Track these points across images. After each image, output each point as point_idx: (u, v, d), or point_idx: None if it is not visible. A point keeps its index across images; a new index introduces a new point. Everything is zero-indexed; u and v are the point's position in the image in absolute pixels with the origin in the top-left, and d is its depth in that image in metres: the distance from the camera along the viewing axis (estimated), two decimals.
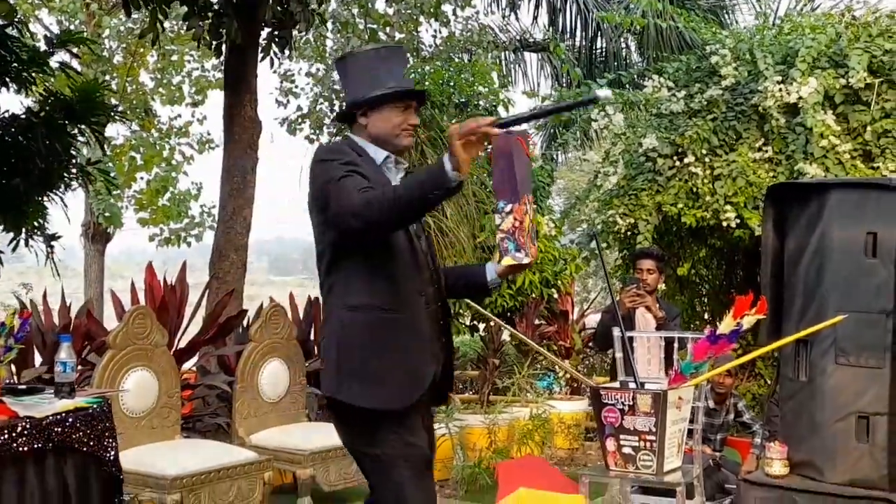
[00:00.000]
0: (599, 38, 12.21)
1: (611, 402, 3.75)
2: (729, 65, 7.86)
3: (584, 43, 12.26)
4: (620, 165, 8.29)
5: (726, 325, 3.68)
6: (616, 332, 4.14)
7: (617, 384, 4.01)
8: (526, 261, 2.79)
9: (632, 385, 3.87)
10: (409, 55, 10.67)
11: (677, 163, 7.98)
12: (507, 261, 2.78)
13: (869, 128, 7.18)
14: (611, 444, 3.76)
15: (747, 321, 3.68)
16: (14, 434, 2.63)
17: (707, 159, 7.82)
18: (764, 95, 7.53)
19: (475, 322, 8.34)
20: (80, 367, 5.44)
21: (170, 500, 4.22)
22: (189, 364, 6.07)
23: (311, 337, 6.80)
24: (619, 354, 4.15)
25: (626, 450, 3.72)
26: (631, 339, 4.17)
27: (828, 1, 10.04)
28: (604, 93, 2.83)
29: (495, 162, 2.78)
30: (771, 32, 8.40)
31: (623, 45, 12.20)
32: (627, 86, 9.62)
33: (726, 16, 12.71)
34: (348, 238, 2.69)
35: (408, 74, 3.02)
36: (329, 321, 2.82)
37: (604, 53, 12.25)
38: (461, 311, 7.89)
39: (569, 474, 5.30)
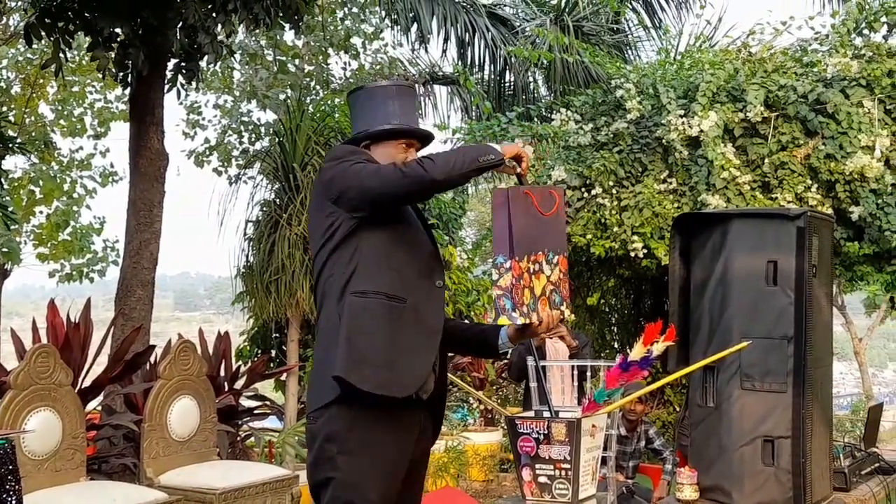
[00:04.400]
0: (508, 72, 12.40)
1: (526, 431, 3.77)
2: (633, 98, 8.08)
3: (492, 76, 12.44)
4: None
5: (637, 353, 3.75)
6: (530, 361, 4.17)
7: (532, 413, 4.04)
8: (519, 321, 2.65)
9: (546, 414, 3.91)
10: (314, 97, 10.66)
11: (585, 194, 8.14)
12: (502, 320, 2.68)
13: (767, 160, 7.46)
14: (527, 474, 3.78)
15: (657, 348, 3.76)
16: None
17: (614, 191, 8.00)
18: (667, 128, 7.76)
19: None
20: None
21: None
22: (94, 404, 5.88)
23: (222, 373, 6.67)
24: (533, 384, 4.18)
25: (542, 479, 3.74)
26: (544, 368, 4.21)
27: (725, 38, 10.40)
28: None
29: (493, 215, 2.74)
30: (672, 68, 8.68)
31: (531, 79, 12.43)
32: (536, 119, 9.78)
33: (630, 51, 13.09)
34: (384, 198, 2.66)
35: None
36: (332, 308, 2.73)
37: (512, 87, 12.45)
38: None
39: None
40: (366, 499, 2.60)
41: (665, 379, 4.47)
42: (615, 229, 7.91)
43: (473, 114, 12.47)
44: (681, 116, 7.66)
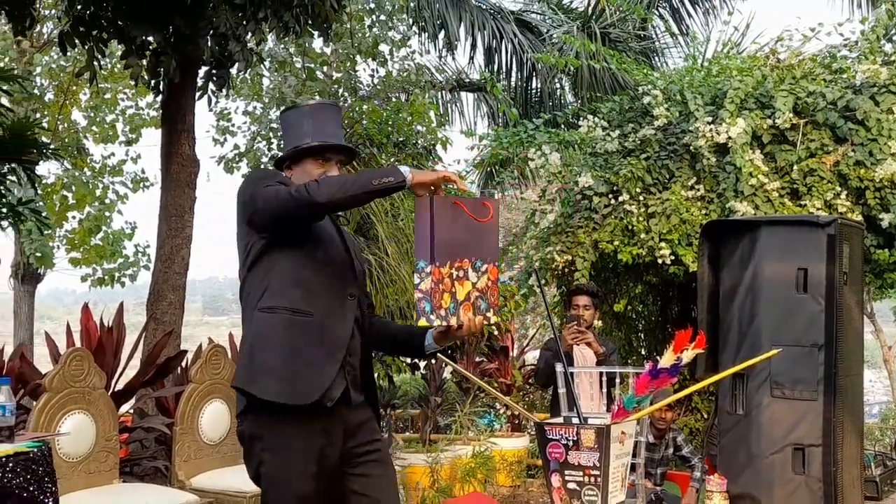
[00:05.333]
0: (534, 79, 12.42)
1: (555, 437, 3.78)
2: (661, 105, 8.06)
3: (519, 83, 12.46)
4: (557, 203, 8.42)
5: (667, 360, 3.76)
6: (559, 367, 4.19)
7: (561, 420, 4.05)
8: (436, 323, 2.79)
9: (575, 420, 3.92)
10: (342, 104, 10.73)
11: (612, 201, 8.13)
12: (422, 322, 2.82)
13: (795, 167, 7.42)
14: (556, 480, 3.79)
15: (687, 355, 3.77)
16: None
17: (641, 197, 7.99)
18: (695, 135, 7.74)
19: (415, 360, 8.34)
20: None
21: None
22: (126, 407, 5.95)
23: None
24: (562, 390, 4.19)
25: (571, 485, 3.75)
26: (572, 374, 4.22)
27: (753, 44, 10.38)
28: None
29: (416, 220, 2.87)
30: (700, 74, 8.65)
31: (558, 86, 12.44)
32: (562, 125, 9.78)
33: (657, 58, 13.07)
34: (275, 221, 2.82)
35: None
36: (246, 323, 2.94)
37: (539, 93, 12.47)
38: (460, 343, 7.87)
39: None
40: (289, 491, 2.79)
41: (694, 386, 4.47)
42: (642, 236, 7.89)
43: (500, 120, 12.50)
44: (708, 123, 7.64)
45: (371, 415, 3.06)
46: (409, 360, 8.25)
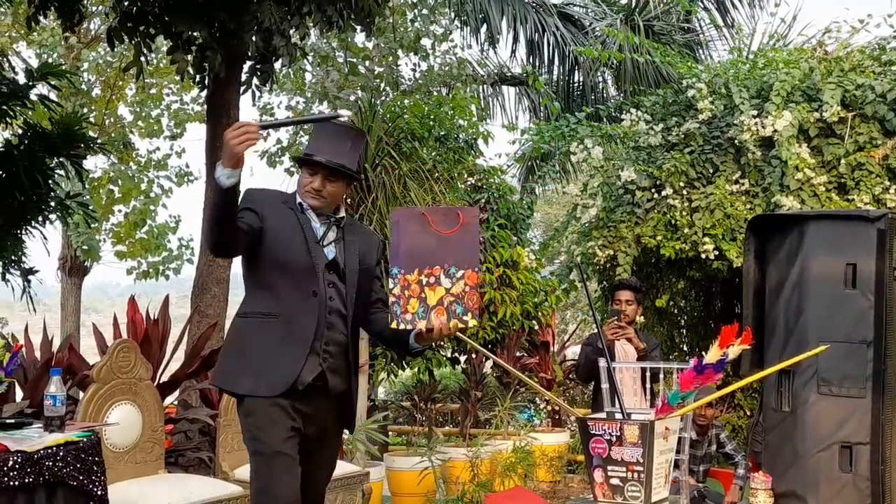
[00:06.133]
0: (577, 72, 12.35)
1: (598, 432, 3.76)
2: (705, 98, 7.98)
3: (561, 76, 12.40)
4: (599, 198, 8.38)
5: (712, 355, 3.71)
6: (602, 362, 4.16)
7: (603, 415, 4.03)
8: (402, 326, 3.05)
9: (618, 416, 3.89)
10: (384, 98, 10.75)
11: (656, 195, 8.07)
12: (393, 325, 3.08)
13: (843, 160, 7.31)
14: (598, 475, 3.76)
15: (733, 351, 3.71)
16: (6, 468, 2.61)
17: (685, 192, 7.92)
18: (740, 129, 7.66)
19: (456, 354, 8.35)
20: None
21: None
22: (170, 399, 6.03)
23: None
24: (605, 385, 4.16)
25: (614, 481, 3.72)
26: (613, 369, 4.19)
27: (800, 36, 10.23)
28: (346, 112, 3.37)
29: (391, 232, 3.14)
30: (745, 67, 8.55)
31: (600, 79, 12.36)
32: (605, 119, 9.72)
33: (701, 51, 12.92)
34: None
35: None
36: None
37: (581, 87, 12.40)
38: (443, 343, 7.90)
39: None
40: (269, 448, 3.16)
41: (739, 383, 4.40)
42: (685, 230, 7.82)
43: (542, 114, 12.45)
44: (754, 116, 7.55)
45: (341, 405, 3.38)
46: (448, 355, 8.27)
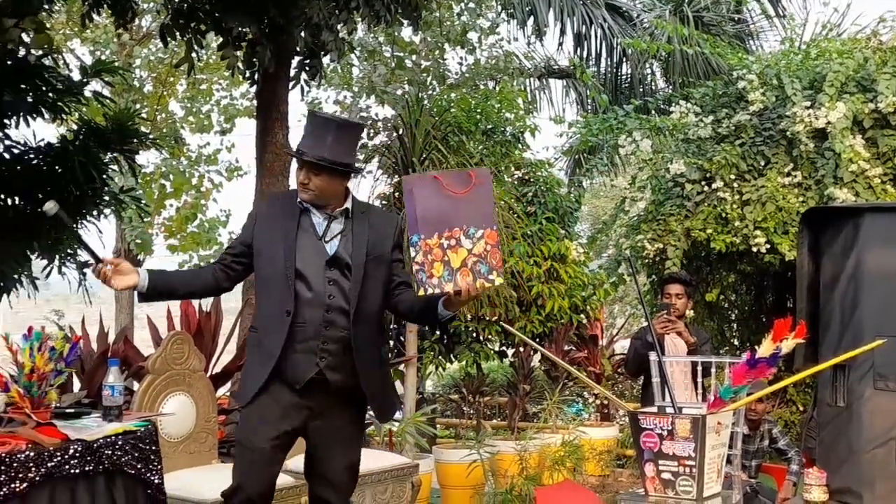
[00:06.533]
0: (625, 64, 12.25)
1: (649, 426, 3.74)
2: (756, 90, 7.88)
3: (609, 69, 12.31)
4: (648, 191, 8.32)
5: (766, 349, 3.67)
6: (653, 356, 4.13)
7: (654, 409, 4.00)
8: (429, 291, 3.09)
9: (670, 410, 3.87)
10: (430, 92, 10.76)
11: (706, 188, 7.99)
12: (420, 291, 3.11)
13: None
14: (649, 469, 3.74)
15: (786, 345, 3.67)
16: (66, 456, 2.67)
17: (736, 184, 7.83)
18: (792, 120, 7.55)
19: (504, 348, 8.35)
20: None
21: None
22: (223, 390, 6.11)
23: None
24: (655, 379, 4.14)
25: (666, 475, 3.70)
26: (664, 364, 4.16)
27: (853, 26, 10.03)
28: (50, 205, 3.32)
29: (405, 201, 3.18)
30: (797, 58, 8.42)
31: (648, 71, 12.24)
32: (653, 111, 9.63)
33: (752, 41, 12.74)
34: None
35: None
36: None
37: (629, 79, 12.29)
38: (490, 336, 7.90)
39: (605, 500, 5.29)
40: (248, 443, 3.39)
41: (793, 377, 4.36)
42: (736, 224, 7.74)
43: (589, 107, 12.36)
44: (807, 108, 7.44)
45: (358, 402, 3.50)
46: (496, 348, 8.26)
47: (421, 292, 3.11)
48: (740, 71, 8.22)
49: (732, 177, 7.82)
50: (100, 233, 7.86)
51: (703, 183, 8.00)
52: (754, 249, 7.61)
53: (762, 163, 7.92)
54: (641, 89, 11.81)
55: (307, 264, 3.39)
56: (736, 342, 9.40)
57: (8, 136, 6.94)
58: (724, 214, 7.83)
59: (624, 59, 12.15)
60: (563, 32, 12.09)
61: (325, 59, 7.39)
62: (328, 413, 3.44)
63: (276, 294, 3.39)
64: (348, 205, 3.50)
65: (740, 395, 3.80)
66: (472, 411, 7.83)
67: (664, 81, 12.17)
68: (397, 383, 7.90)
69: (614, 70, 12.32)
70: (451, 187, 3.14)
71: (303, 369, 3.36)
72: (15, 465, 2.56)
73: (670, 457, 3.68)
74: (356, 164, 3.54)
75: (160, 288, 3.40)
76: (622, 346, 9.80)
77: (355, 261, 3.41)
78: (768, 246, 7.56)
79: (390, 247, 3.52)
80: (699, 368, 4.30)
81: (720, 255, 8.12)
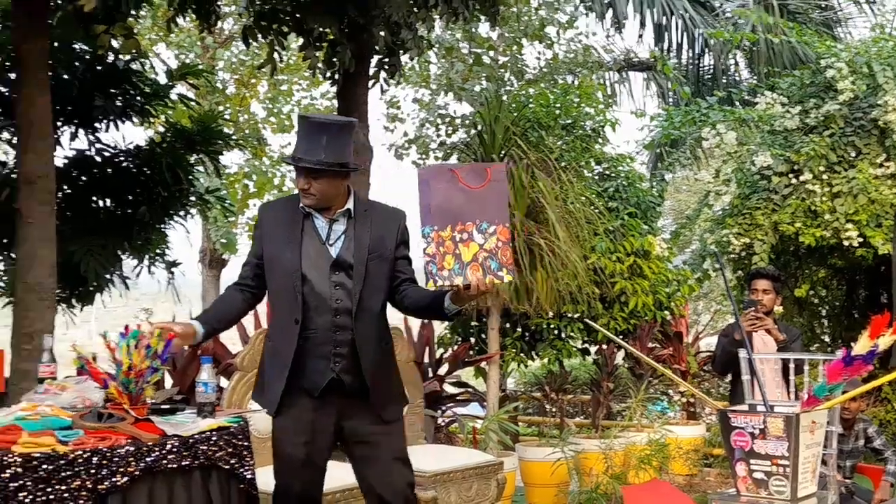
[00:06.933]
0: (707, 55, 12.03)
1: (740, 425, 3.66)
2: (846, 79, 7.65)
3: (690, 60, 12.10)
4: (733, 184, 8.14)
5: (862, 346, 3.55)
6: (742, 353, 4.04)
7: (745, 407, 3.92)
8: (440, 284, 3.06)
9: (761, 408, 3.78)
10: (509, 87, 10.72)
11: (793, 180, 7.80)
12: (430, 285, 3.09)
13: None
14: (741, 469, 3.66)
15: (883, 342, 3.55)
16: (164, 451, 2.74)
17: (825, 176, 7.62)
18: (884, 109, 7.32)
19: (586, 345, 8.27)
20: None
21: None
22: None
23: (426, 359, 6.87)
24: (745, 377, 4.04)
25: (758, 474, 3.62)
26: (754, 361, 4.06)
27: None
28: None
29: (418, 192, 3.15)
30: (889, 44, 8.14)
31: (732, 62, 12.00)
32: (738, 103, 9.43)
33: (840, 29, 12.38)
34: None
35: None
36: None
37: (711, 70, 12.07)
38: (572, 333, 7.84)
39: (698, 499, 5.20)
40: (283, 453, 3.44)
41: (889, 375, 4.20)
42: (826, 217, 7.53)
43: (670, 99, 12.18)
44: None
45: (370, 402, 3.43)
46: (578, 346, 8.19)
47: (431, 284, 3.09)
48: (828, 59, 7.98)
49: (822, 168, 7.61)
50: (187, 232, 8.07)
51: (790, 175, 7.80)
52: (846, 243, 7.40)
53: (853, 154, 7.68)
54: (724, 80, 11.59)
55: (313, 270, 3.37)
56: (826, 339, 9.14)
57: (99, 140, 7.17)
58: (813, 207, 7.62)
59: (706, 50, 11.94)
60: (642, 24, 11.95)
61: (404, 58, 7.43)
62: (356, 413, 3.44)
63: (285, 302, 3.39)
64: (350, 205, 3.46)
65: (835, 394, 3.69)
66: (554, 409, 7.78)
67: (748, 72, 11.93)
68: (479, 381, 7.92)
69: (696, 61, 12.12)
70: (466, 181, 3.13)
71: (318, 376, 3.37)
72: (116, 459, 2.63)
73: (763, 456, 3.60)
74: (353, 163, 3.46)
75: (211, 334, 3.49)
76: (708, 343, 9.62)
77: (357, 260, 3.39)
78: (860, 239, 7.33)
79: (394, 244, 3.48)
80: (791, 366, 4.19)
81: (809, 249, 7.91)
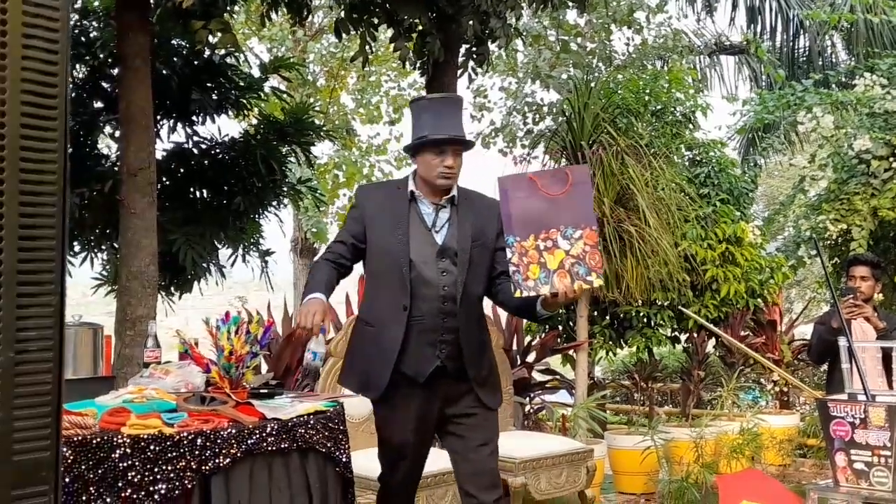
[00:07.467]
0: (802, 37, 11.70)
1: (840, 414, 3.58)
2: None
3: (784, 43, 11.79)
4: (829, 169, 7.92)
5: None
6: (842, 342, 3.95)
7: (844, 396, 3.83)
8: (525, 293, 3.05)
9: (862, 397, 3.69)
10: (597, 74, 10.63)
11: (894, 164, 7.54)
12: (517, 294, 3.07)
13: None
14: (840, 459, 3.59)
15: None
16: (264, 434, 2.83)
17: None
18: None
19: (676, 333, 8.17)
20: (301, 376, 5.76)
21: None
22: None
23: (514, 346, 6.90)
24: (845, 366, 3.95)
25: (858, 465, 3.54)
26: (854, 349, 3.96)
27: None
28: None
29: (500, 202, 3.15)
30: None
31: (829, 43, 11.65)
32: (834, 85, 9.16)
33: None
34: None
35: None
36: None
37: (807, 52, 11.73)
38: (662, 321, 7.76)
39: (793, 489, 5.11)
40: (392, 440, 3.47)
41: None
42: None
43: (763, 83, 11.89)
44: None
45: (472, 387, 3.43)
46: (668, 334, 8.10)
47: (518, 294, 3.07)
48: None
49: None
50: (280, 222, 8.26)
51: (891, 159, 7.55)
52: None
53: None
54: (821, 62, 11.25)
55: (420, 256, 3.34)
56: None
57: (196, 133, 7.39)
58: None
59: (801, 32, 11.62)
60: (734, 7, 11.70)
61: (492, 46, 7.44)
62: (460, 399, 3.44)
63: (390, 288, 3.35)
64: (454, 192, 3.43)
65: None
66: (643, 397, 7.72)
67: (846, 53, 11.56)
68: (567, 368, 7.90)
69: (790, 44, 11.80)
70: (546, 188, 3.10)
71: (424, 364, 3.35)
72: (219, 441, 2.73)
73: (863, 446, 3.52)
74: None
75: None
76: (802, 331, 9.39)
77: (461, 248, 3.36)
78: None
79: (494, 234, 3.43)
80: (893, 354, 4.08)
81: None
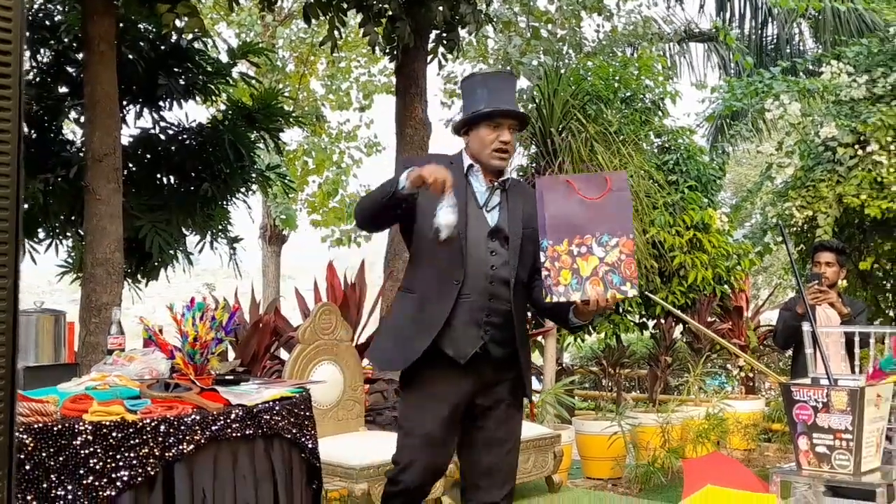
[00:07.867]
0: (770, 24, 11.78)
1: (802, 398, 3.62)
2: None
3: (753, 30, 11.86)
4: (796, 156, 8.00)
5: None
6: (806, 327, 3.99)
7: (808, 380, 3.88)
8: (555, 298, 2.94)
9: (824, 381, 3.73)
10: (567, 62, 10.64)
11: (860, 151, 7.63)
12: (548, 298, 2.96)
13: None
14: (803, 443, 3.63)
15: None
16: (229, 420, 2.81)
17: (893, 147, 7.44)
18: None
19: (644, 319, 8.23)
20: (268, 362, 5.73)
21: (357, 489, 4.38)
22: (367, 361, 6.27)
23: None
24: (808, 350, 4.00)
25: (820, 448, 3.58)
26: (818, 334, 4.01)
27: None
28: None
29: (536, 204, 3.03)
30: None
31: (796, 31, 11.73)
32: (802, 73, 9.23)
33: None
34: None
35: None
36: None
37: (775, 40, 11.81)
38: (630, 307, 7.81)
39: (757, 473, 5.16)
40: (412, 431, 3.23)
41: None
42: (893, 188, 7.36)
43: (732, 70, 11.97)
44: None
45: (514, 375, 3.29)
46: (636, 320, 8.15)
47: (549, 299, 2.95)
48: None
49: (889, 139, 7.43)
50: (248, 209, 8.20)
51: (856, 147, 7.63)
52: None
53: None
54: (789, 50, 11.34)
55: (472, 233, 3.19)
56: (891, 313, 8.95)
57: (163, 118, 7.31)
58: (879, 179, 7.45)
59: (770, 20, 11.68)
60: None
61: (462, 32, 7.42)
62: (494, 387, 3.26)
63: (443, 260, 3.16)
64: (507, 175, 3.30)
65: None
66: (611, 383, 7.77)
67: (813, 41, 11.65)
68: (536, 354, 7.93)
69: (759, 31, 11.87)
70: (583, 192, 2.98)
71: (467, 343, 3.17)
72: (182, 427, 2.70)
73: (825, 430, 3.56)
74: None
75: None
76: (768, 317, 9.49)
77: (512, 231, 3.23)
78: None
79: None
80: (856, 339, 4.13)
81: (875, 221, 7.75)
